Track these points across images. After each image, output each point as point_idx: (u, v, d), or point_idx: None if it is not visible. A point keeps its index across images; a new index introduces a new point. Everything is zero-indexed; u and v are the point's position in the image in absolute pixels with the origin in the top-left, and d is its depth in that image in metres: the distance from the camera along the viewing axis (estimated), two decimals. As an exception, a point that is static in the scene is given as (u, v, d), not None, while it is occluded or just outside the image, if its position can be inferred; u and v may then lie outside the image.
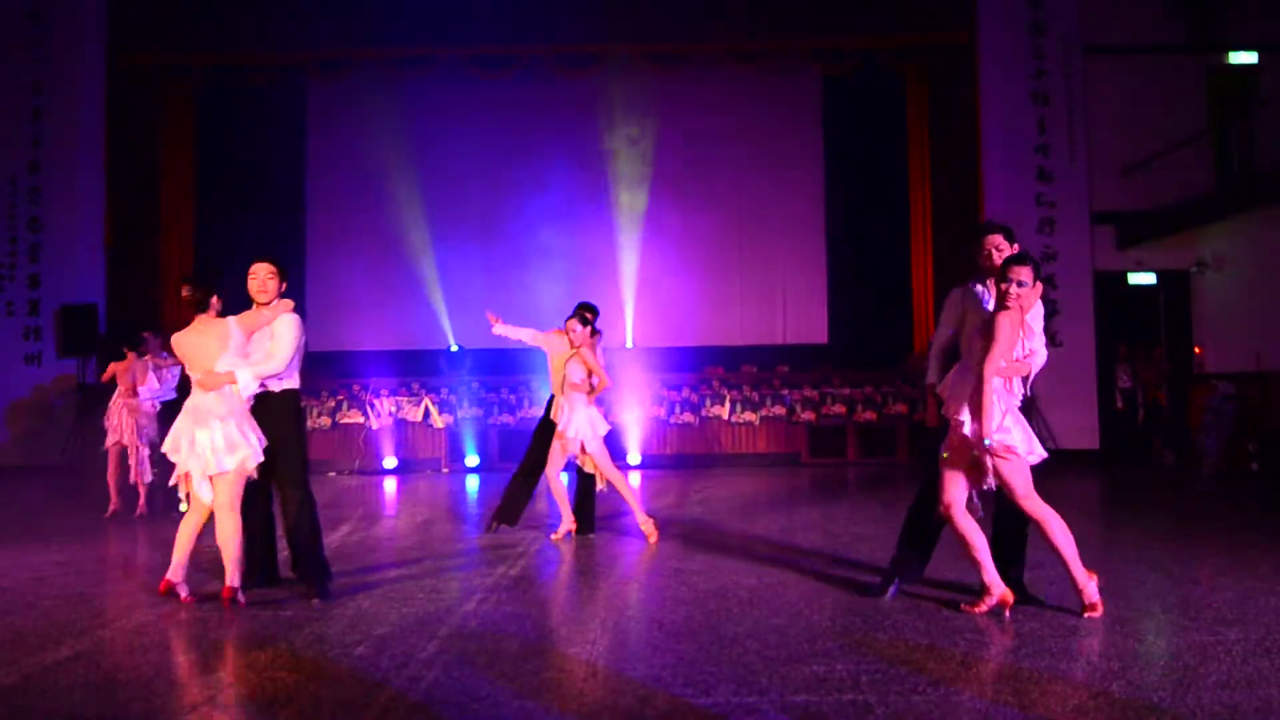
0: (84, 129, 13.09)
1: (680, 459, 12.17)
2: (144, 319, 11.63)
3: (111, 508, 7.99)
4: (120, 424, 8.09)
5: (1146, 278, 12.59)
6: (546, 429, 6.67)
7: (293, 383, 4.89)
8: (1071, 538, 4.15)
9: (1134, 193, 12.39)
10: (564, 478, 6.75)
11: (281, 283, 4.92)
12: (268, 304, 4.88)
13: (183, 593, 4.71)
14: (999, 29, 12.74)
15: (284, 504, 4.85)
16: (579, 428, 6.36)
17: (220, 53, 13.27)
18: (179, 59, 13.32)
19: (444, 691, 3.35)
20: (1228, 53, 12.59)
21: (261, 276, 4.86)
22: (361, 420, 12.22)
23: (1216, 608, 4.39)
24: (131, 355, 8.26)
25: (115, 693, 3.42)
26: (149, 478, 8.10)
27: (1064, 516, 4.23)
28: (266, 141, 13.89)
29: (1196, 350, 12.04)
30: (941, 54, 13.25)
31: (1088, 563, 4.25)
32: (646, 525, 6.38)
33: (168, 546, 4.83)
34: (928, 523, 4.59)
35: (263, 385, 4.77)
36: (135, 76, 13.32)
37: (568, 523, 6.56)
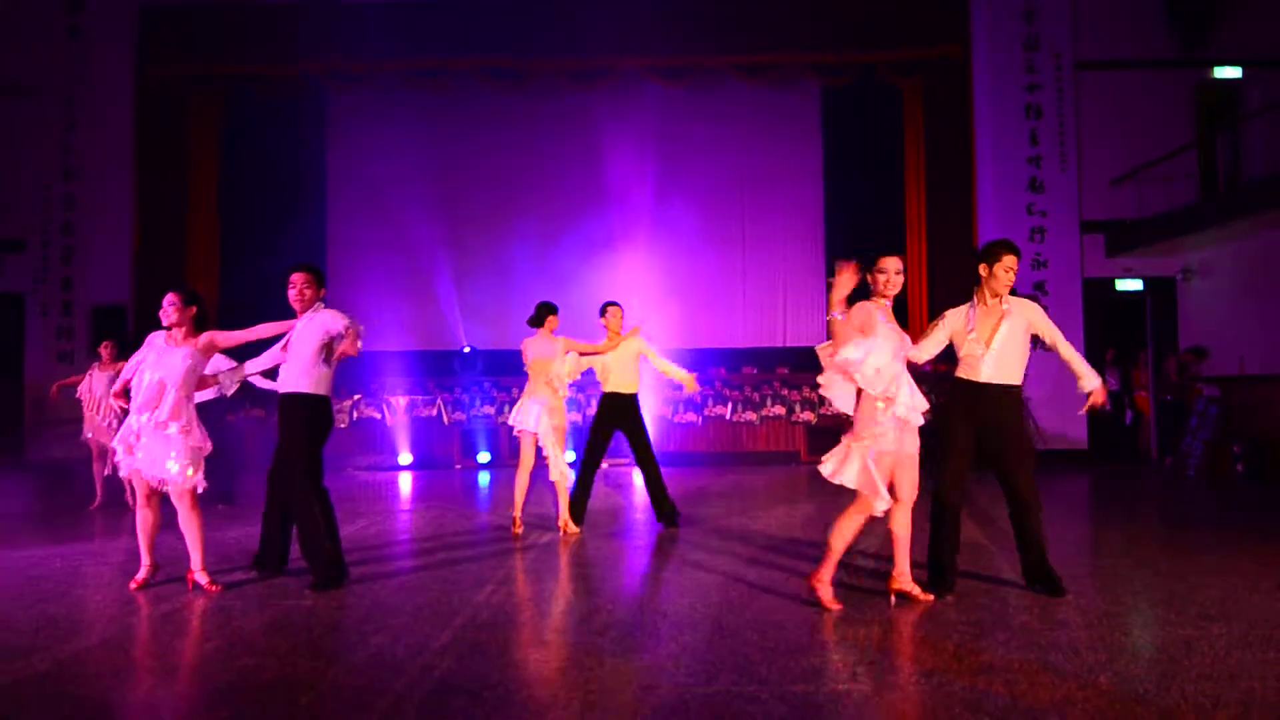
0: (114, 138, 13.19)
1: (683, 457, 12.17)
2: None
3: (96, 501, 8.14)
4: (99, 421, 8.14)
5: (1134, 284, 12.57)
6: (599, 427, 6.63)
7: (301, 386, 4.84)
8: (849, 538, 4.22)
9: (1123, 202, 12.36)
10: (570, 474, 6.73)
11: (320, 290, 4.94)
12: (304, 312, 4.89)
13: (203, 580, 4.74)
14: (993, 44, 12.71)
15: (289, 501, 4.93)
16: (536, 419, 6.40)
17: (245, 65, 13.32)
18: (206, 71, 13.38)
19: (457, 679, 3.35)
20: (1213, 68, 12.55)
21: (299, 285, 4.88)
22: (378, 418, 12.25)
23: (1201, 603, 4.37)
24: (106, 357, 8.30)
25: (142, 679, 3.43)
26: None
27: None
28: (289, 150, 13.92)
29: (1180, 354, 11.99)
30: (937, 68, 13.22)
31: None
32: (518, 527, 6.49)
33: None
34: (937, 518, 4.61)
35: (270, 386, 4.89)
36: (163, 88, 13.38)
37: (563, 519, 6.59)
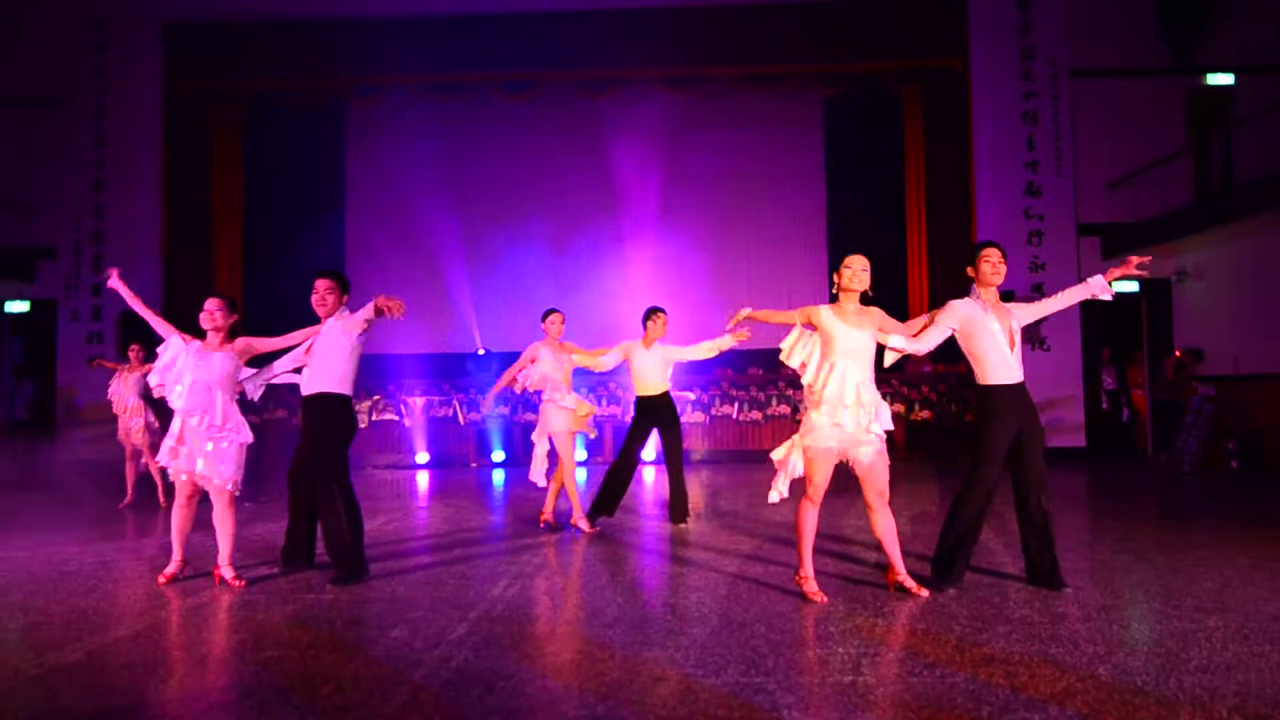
0: (142, 150, 13.27)
1: (691, 455, 12.14)
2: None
3: (127, 499, 8.18)
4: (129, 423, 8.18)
5: (1130, 286, 12.49)
6: (635, 428, 6.61)
7: (325, 387, 4.84)
8: (808, 532, 4.36)
9: (1118, 206, 12.30)
10: (583, 473, 6.77)
11: (343, 296, 4.94)
12: (327, 318, 4.89)
13: (229, 575, 4.77)
14: (991, 53, 12.66)
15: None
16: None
17: (268, 79, 13.39)
18: (229, 84, 13.48)
19: (473, 670, 3.36)
20: (1206, 75, 12.48)
21: (321, 291, 4.89)
22: (396, 418, 12.28)
23: (1197, 596, 4.34)
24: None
25: (170, 670, 3.44)
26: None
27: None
28: (309, 159, 13.99)
29: (1177, 354, 11.92)
30: (937, 77, 13.18)
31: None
32: (548, 515, 6.60)
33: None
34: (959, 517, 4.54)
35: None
36: (189, 101, 13.47)
37: (547, 514, 6.63)
